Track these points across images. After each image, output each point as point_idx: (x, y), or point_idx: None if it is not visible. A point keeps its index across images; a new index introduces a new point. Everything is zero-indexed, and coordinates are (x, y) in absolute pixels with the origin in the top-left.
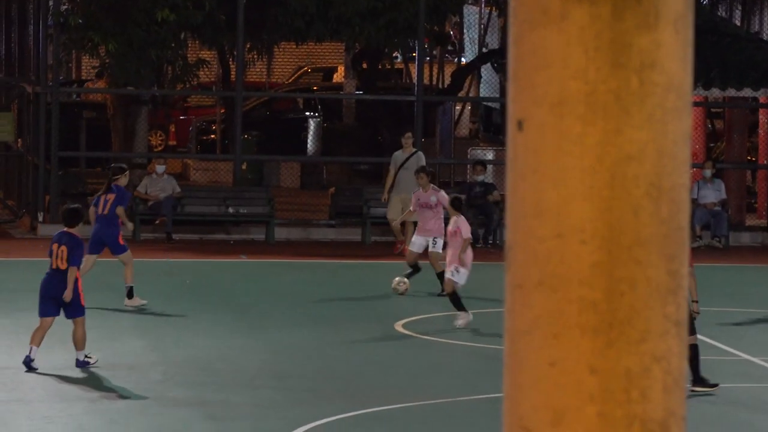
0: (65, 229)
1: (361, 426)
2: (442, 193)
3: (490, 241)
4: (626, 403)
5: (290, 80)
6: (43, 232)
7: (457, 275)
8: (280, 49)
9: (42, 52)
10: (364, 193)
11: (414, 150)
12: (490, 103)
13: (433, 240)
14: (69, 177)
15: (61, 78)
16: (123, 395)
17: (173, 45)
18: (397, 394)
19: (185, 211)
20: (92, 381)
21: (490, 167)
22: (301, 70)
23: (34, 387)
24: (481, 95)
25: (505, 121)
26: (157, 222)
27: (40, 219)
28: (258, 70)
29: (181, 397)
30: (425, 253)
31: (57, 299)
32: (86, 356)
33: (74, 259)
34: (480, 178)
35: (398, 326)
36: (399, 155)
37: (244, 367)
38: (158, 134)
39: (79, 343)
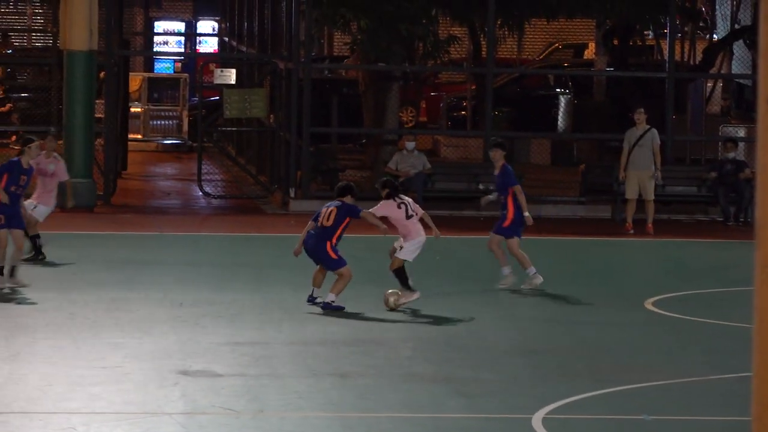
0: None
1: (610, 404)
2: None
3: (741, 219)
4: None
5: (541, 56)
6: (295, 208)
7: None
8: (531, 25)
9: (294, 29)
10: (615, 170)
11: (648, 126)
12: (741, 80)
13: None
14: (320, 153)
15: (313, 54)
16: (372, 371)
17: (424, 21)
18: (646, 373)
19: (435, 187)
20: (342, 356)
21: (741, 144)
22: (552, 47)
23: (285, 362)
24: (732, 72)
25: (757, 98)
26: None
27: (292, 195)
28: (509, 46)
29: (430, 373)
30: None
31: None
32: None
33: (340, 219)
34: (731, 155)
35: (648, 304)
36: (632, 132)
37: (493, 344)
38: (409, 110)
39: (334, 287)
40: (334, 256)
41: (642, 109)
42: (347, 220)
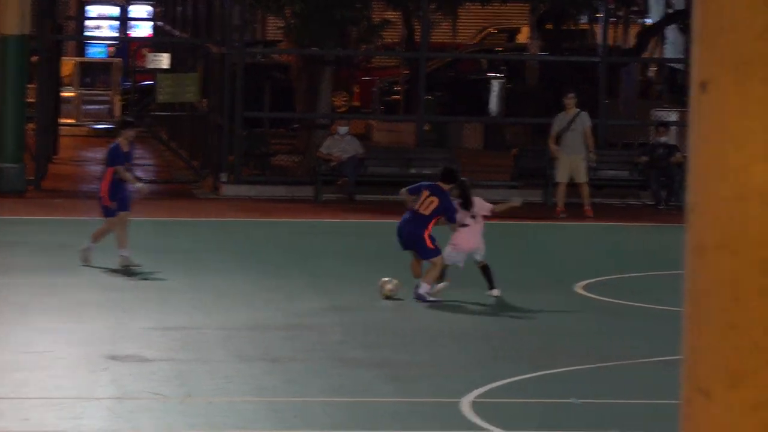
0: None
1: (540, 387)
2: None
3: (672, 203)
4: None
5: (475, 41)
6: (227, 193)
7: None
8: (465, 10)
9: (228, 13)
10: (547, 154)
11: (577, 110)
12: (674, 65)
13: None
14: (253, 138)
15: (246, 39)
16: (303, 356)
17: (358, 5)
18: (577, 356)
19: (368, 171)
20: (272, 341)
21: (673, 128)
22: (486, 31)
23: (215, 347)
24: (665, 56)
25: (689, 82)
26: (339, 183)
27: (224, 179)
28: (442, 30)
29: (361, 358)
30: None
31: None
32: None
33: (437, 213)
34: (663, 139)
35: (578, 288)
36: (562, 116)
37: (425, 327)
38: (342, 95)
39: (426, 276)
40: (431, 245)
41: (572, 94)
42: (440, 217)
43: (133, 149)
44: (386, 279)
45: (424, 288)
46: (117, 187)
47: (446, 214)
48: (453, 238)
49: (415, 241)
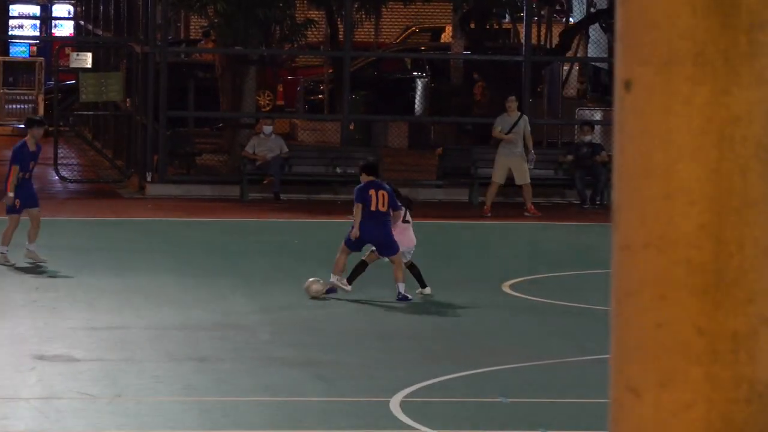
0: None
1: (468, 386)
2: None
3: (598, 202)
4: (734, 365)
5: (398, 40)
6: (152, 192)
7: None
8: (388, 9)
9: (150, 12)
10: (472, 154)
11: (519, 113)
12: (598, 64)
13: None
14: (177, 137)
15: (169, 38)
16: (231, 355)
17: (281, 4)
18: (503, 355)
19: (293, 171)
20: (200, 340)
21: (597, 128)
22: (409, 30)
23: (143, 346)
24: (589, 55)
25: (613, 81)
26: (264, 182)
27: (149, 179)
28: (366, 30)
29: (289, 357)
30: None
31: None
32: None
33: (394, 204)
34: (587, 138)
35: (505, 287)
36: (504, 119)
37: (352, 327)
38: (266, 94)
39: (399, 275)
40: (395, 241)
41: (513, 97)
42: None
43: (39, 149)
44: (313, 279)
45: (402, 287)
46: (22, 185)
47: (393, 203)
48: (397, 235)
49: (386, 240)
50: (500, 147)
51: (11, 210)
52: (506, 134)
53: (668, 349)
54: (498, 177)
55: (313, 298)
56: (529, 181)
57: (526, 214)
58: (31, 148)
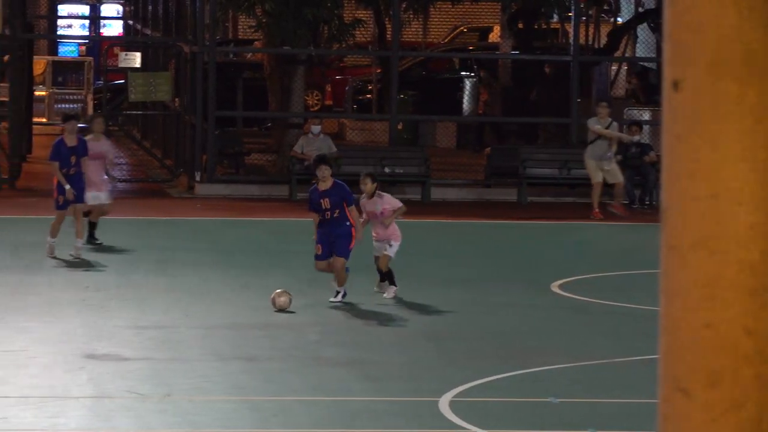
0: None
1: (517, 387)
2: (387, 197)
3: (647, 202)
4: None
5: (446, 40)
6: (201, 192)
7: (390, 249)
8: (436, 9)
9: (199, 12)
10: (520, 153)
11: (610, 120)
12: (646, 64)
13: (388, 243)
14: (226, 136)
15: (217, 37)
16: (279, 354)
17: (329, 4)
18: (554, 355)
19: (341, 171)
20: (249, 340)
21: (646, 128)
22: (457, 30)
23: (192, 346)
24: (637, 55)
25: (662, 81)
26: (313, 182)
27: (198, 178)
28: (414, 29)
29: (337, 357)
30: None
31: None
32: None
33: (351, 200)
34: (636, 138)
35: (555, 287)
36: (596, 122)
37: (401, 328)
38: (314, 94)
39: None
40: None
41: (605, 103)
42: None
43: (83, 143)
44: (279, 291)
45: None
46: (69, 181)
47: (348, 199)
48: (373, 229)
49: (344, 241)
50: (589, 149)
51: (57, 206)
52: (595, 138)
53: (717, 349)
54: (598, 177)
55: (280, 310)
56: (622, 179)
57: (612, 210)
58: (69, 143)
